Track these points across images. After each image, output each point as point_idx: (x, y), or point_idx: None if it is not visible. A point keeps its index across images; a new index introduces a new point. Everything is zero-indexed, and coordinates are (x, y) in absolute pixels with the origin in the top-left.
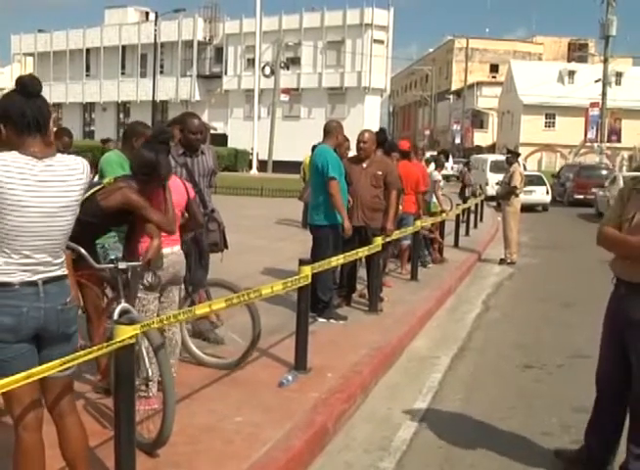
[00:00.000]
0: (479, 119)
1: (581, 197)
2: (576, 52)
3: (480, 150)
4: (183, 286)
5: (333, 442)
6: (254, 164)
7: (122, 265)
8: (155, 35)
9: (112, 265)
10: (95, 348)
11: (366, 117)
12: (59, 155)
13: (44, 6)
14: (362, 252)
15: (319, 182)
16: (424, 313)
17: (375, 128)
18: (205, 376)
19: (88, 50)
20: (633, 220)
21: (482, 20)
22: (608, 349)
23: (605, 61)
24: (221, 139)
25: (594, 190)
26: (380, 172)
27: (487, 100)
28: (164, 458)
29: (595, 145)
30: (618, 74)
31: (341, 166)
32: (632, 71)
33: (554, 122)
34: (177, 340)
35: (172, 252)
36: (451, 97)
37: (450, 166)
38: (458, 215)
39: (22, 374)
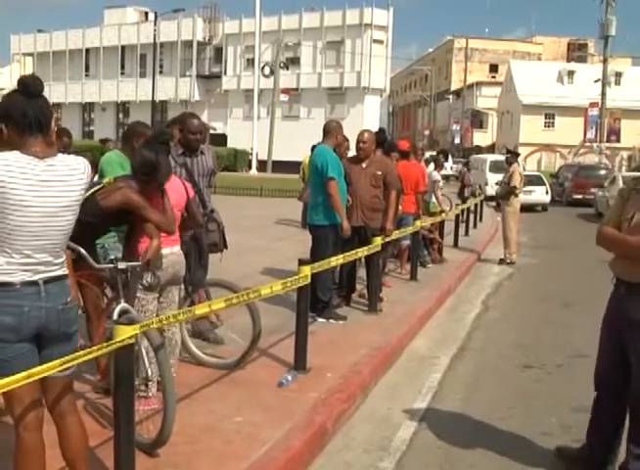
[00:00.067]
0: (478, 119)
1: (580, 197)
2: (576, 52)
3: (479, 150)
4: (183, 286)
5: (332, 442)
6: (254, 164)
7: (122, 265)
8: (154, 35)
9: (111, 265)
10: (95, 348)
11: (365, 117)
12: (60, 155)
13: (44, 6)
14: (362, 252)
15: (318, 182)
16: (423, 313)
17: (374, 128)
18: (204, 376)
19: (87, 50)
20: (632, 220)
21: (482, 20)
22: (607, 349)
23: (604, 61)
24: (221, 139)
25: (593, 190)
26: (379, 172)
27: (487, 100)
28: (164, 458)
29: (594, 145)
30: (618, 74)
31: (340, 167)
32: (632, 72)
33: (553, 122)
34: (177, 340)
35: (172, 252)
36: (451, 97)
37: (450, 166)
38: (457, 215)
39: (23, 374)
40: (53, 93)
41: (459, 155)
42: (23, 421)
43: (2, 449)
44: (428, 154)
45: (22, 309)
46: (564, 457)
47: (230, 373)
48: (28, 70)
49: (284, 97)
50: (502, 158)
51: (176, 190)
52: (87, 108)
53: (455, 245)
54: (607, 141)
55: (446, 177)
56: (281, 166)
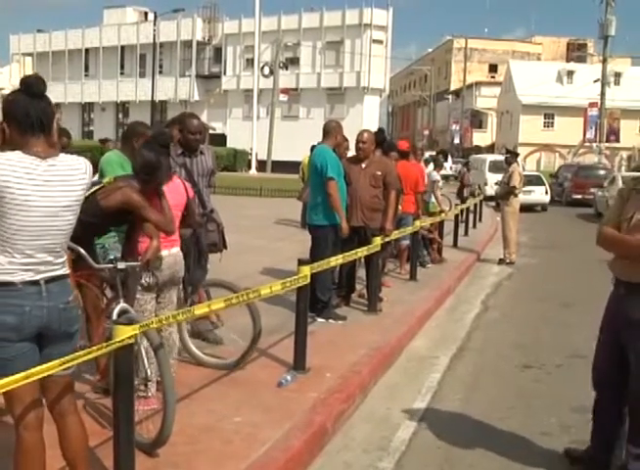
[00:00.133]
0: (477, 119)
1: (579, 197)
2: (575, 52)
3: (478, 150)
4: (182, 286)
5: (332, 442)
6: (253, 164)
7: (121, 265)
8: (154, 35)
9: (111, 265)
10: (94, 348)
11: (365, 117)
12: (62, 155)
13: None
14: (361, 252)
15: (318, 182)
16: (423, 313)
17: (374, 128)
18: (204, 376)
19: (87, 50)
20: (632, 220)
21: (481, 20)
22: (605, 348)
23: (604, 61)
24: (220, 139)
25: (592, 190)
26: (379, 172)
27: (486, 100)
28: (163, 458)
29: (594, 145)
30: (617, 75)
31: (340, 167)
32: (631, 72)
33: (553, 122)
34: (174, 339)
35: (170, 253)
36: (450, 97)
37: (449, 167)
38: (457, 215)
39: (22, 374)
40: (52, 93)
41: (458, 155)
42: (24, 421)
43: (2, 450)
44: (427, 154)
45: (24, 309)
46: (571, 459)
47: (229, 373)
48: (28, 71)
49: (283, 97)
50: (501, 158)
51: (177, 190)
52: (87, 108)
53: (454, 245)
54: (606, 141)
55: (446, 177)
56: (280, 166)
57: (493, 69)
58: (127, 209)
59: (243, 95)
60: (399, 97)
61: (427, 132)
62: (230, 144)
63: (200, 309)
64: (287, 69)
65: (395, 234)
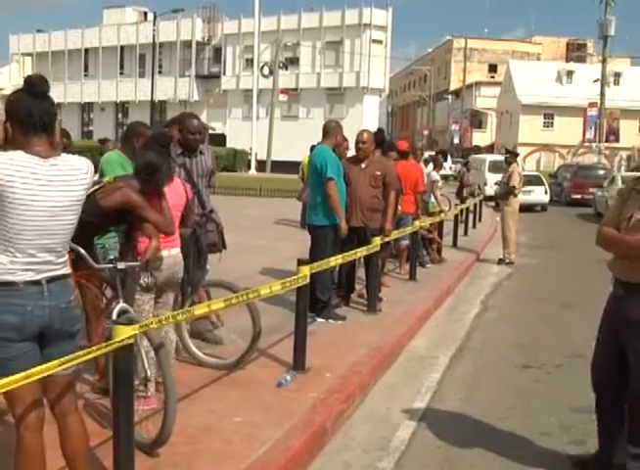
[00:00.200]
0: (477, 119)
1: (579, 197)
2: (575, 52)
3: (478, 150)
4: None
5: (331, 442)
6: (253, 164)
7: (121, 265)
8: (153, 35)
9: (110, 265)
10: (94, 348)
11: (365, 118)
12: (63, 154)
13: (43, 6)
14: (361, 252)
15: (317, 182)
16: (422, 313)
17: (373, 128)
18: (204, 376)
19: (87, 50)
20: (631, 220)
21: (481, 20)
22: (605, 349)
23: (603, 61)
24: (220, 139)
25: (592, 190)
26: (378, 173)
27: (486, 100)
28: (163, 458)
29: (593, 145)
30: (617, 75)
31: (339, 167)
32: (631, 72)
33: (552, 122)
34: (171, 338)
35: (170, 254)
36: (450, 97)
37: (449, 167)
38: (457, 215)
39: (22, 374)
40: (52, 93)
41: (458, 155)
42: (25, 421)
43: (2, 450)
44: (427, 154)
45: (26, 309)
46: (580, 463)
47: (229, 373)
48: (27, 71)
49: (283, 97)
50: (501, 158)
51: (177, 191)
52: (86, 108)
53: (454, 245)
54: (606, 141)
55: (445, 177)
56: (280, 166)
57: (493, 69)
58: (127, 209)
59: (242, 95)
60: (399, 97)
61: (426, 132)
62: (230, 144)
63: (199, 309)
64: (286, 69)
65: (395, 234)
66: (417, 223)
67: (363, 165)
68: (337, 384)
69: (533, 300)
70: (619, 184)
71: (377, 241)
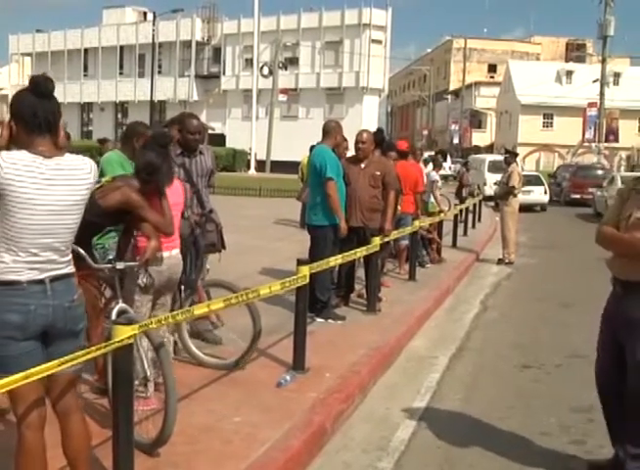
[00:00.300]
0: (477, 119)
1: (578, 196)
2: (574, 52)
3: (478, 150)
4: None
5: (331, 442)
6: (252, 164)
7: (120, 265)
8: (153, 35)
9: (109, 265)
10: (94, 348)
11: (364, 118)
12: (67, 154)
13: (43, 6)
14: (360, 252)
15: (317, 182)
16: (422, 313)
17: (373, 128)
18: (203, 376)
19: (86, 50)
20: (630, 219)
21: (481, 20)
22: (605, 349)
23: (603, 61)
24: (219, 139)
25: (591, 190)
26: (378, 173)
27: (485, 100)
28: (163, 458)
29: (593, 145)
30: (616, 75)
31: (339, 167)
32: (630, 72)
33: (552, 122)
34: (168, 338)
35: (171, 255)
36: (449, 97)
37: (448, 167)
38: (456, 216)
39: (22, 374)
40: None
41: (458, 155)
42: (26, 420)
43: (3, 451)
44: (426, 154)
45: (29, 308)
46: (597, 469)
47: (229, 373)
48: (27, 71)
49: (282, 97)
50: (501, 158)
51: (176, 192)
52: (86, 108)
53: (454, 245)
54: (605, 141)
55: (445, 177)
56: (279, 167)
57: (492, 69)
58: (126, 208)
59: (242, 95)
60: (398, 97)
61: (426, 132)
62: (229, 144)
63: (199, 309)
64: (286, 69)
65: (394, 234)
66: (416, 223)
67: (363, 165)
68: (336, 384)
69: (533, 300)
70: (619, 184)
71: (376, 241)
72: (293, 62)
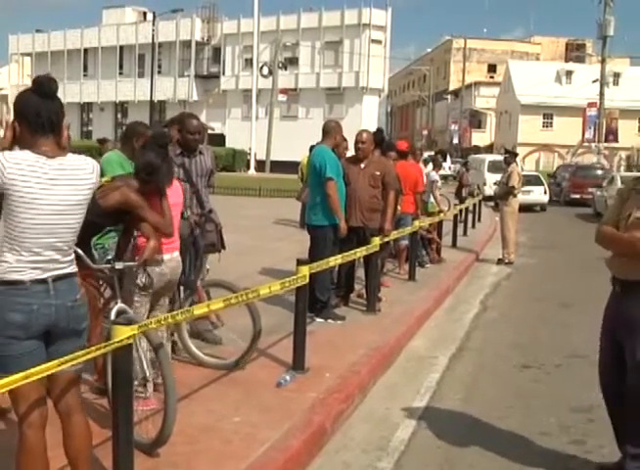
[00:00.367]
0: (476, 119)
1: (578, 196)
2: (574, 52)
3: (477, 150)
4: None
5: (331, 442)
6: (252, 164)
7: (119, 265)
8: (152, 35)
9: (108, 265)
10: (93, 348)
11: (364, 118)
12: (70, 155)
13: (42, 6)
14: (360, 252)
15: (317, 182)
16: (422, 313)
17: (372, 128)
18: (203, 376)
19: (86, 50)
20: (629, 219)
21: (480, 20)
22: (606, 349)
23: (602, 61)
24: (219, 139)
25: (590, 190)
26: (378, 173)
27: (485, 100)
28: (163, 458)
29: (593, 145)
30: (616, 75)
31: (339, 167)
32: (630, 72)
33: (552, 122)
34: (166, 338)
35: (172, 257)
36: (449, 97)
37: (448, 167)
38: (456, 216)
39: (21, 374)
40: None
41: (457, 155)
42: (28, 419)
43: (4, 450)
44: (426, 154)
45: (32, 307)
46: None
47: (229, 373)
48: (27, 71)
49: (282, 97)
50: (500, 158)
51: (176, 192)
52: (85, 108)
53: (453, 245)
54: (605, 141)
55: (444, 177)
56: (279, 167)
57: (492, 69)
58: (125, 208)
59: (242, 95)
60: (398, 97)
61: (425, 132)
62: (229, 144)
63: (199, 309)
64: (286, 69)
65: (394, 234)
66: (416, 223)
67: (362, 165)
68: (336, 384)
69: (532, 300)
70: (619, 184)
71: (376, 241)
72: (292, 62)
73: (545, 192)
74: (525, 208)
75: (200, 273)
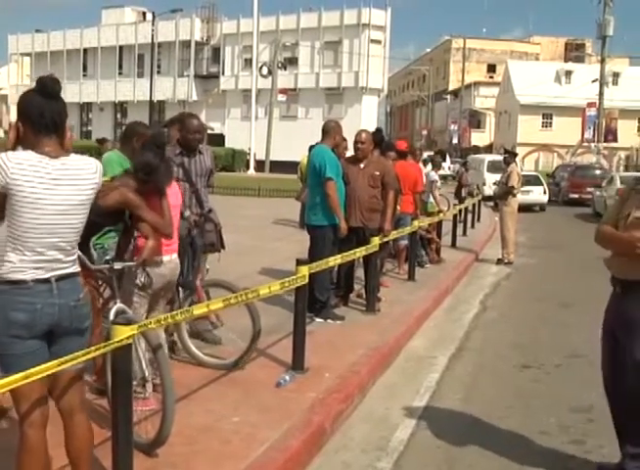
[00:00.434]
0: (476, 119)
1: (576, 196)
2: (573, 52)
3: (477, 150)
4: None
5: (330, 442)
6: (252, 164)
7: (118, 266)
8: (152, 35)
9: (107, 266)
10: (93, 348)
11: (363, 118)
12: (72, 155)
13: (42, 6)
14: (360, 252)
15: (316, 182)
16: (421, 313)
17: (372, 128)
18: (202, 376)
19: (85, 50)
20: (628, 219)
21: (480, 20)
22: (608, 349)
23: (602, 61)
24: (218, 139)
25: (589, 189)
26: (377, 173)
27: (485, 100)
28: (162, 458)
29: (592, 145)
30: (615, 75)
31: (338, 166)
32: (629, 72)
33: (551, 122)
34: (162, 337)
35: (171, 259)
36: (448, 97)
37: (447, 167)
38: (455, 216)
39: (20, 374)
40: None
41: (457, 155)
42: (29, 418)
43: (5, 450)
44: (425, 154)
45: (35, 307)
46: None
47: (228, 373)
48: (26, 71)
49: (282, 97)
50: (500, 158)
51: (174, 194)
52: (85, 108)
53: (453, 245)
54: (604, 141)
55: (444, 177)
56: (279, 166)
57: (492, 69)
58: (124, 208)
59: (241, 95)
60: (398, 97)
61: (425, 132)
62: (228, 144)
63: (199, 309)
64: (285, 69)
65: (394, 234)
66: (416, 223)
67: (362, 165)
68: (335, 384)
69: (532, 300)
70: (618, 184)
71: (376, 241)
72: (292, 62)
73: (545, 192)
74: (525, 208)
75: (198, 273)
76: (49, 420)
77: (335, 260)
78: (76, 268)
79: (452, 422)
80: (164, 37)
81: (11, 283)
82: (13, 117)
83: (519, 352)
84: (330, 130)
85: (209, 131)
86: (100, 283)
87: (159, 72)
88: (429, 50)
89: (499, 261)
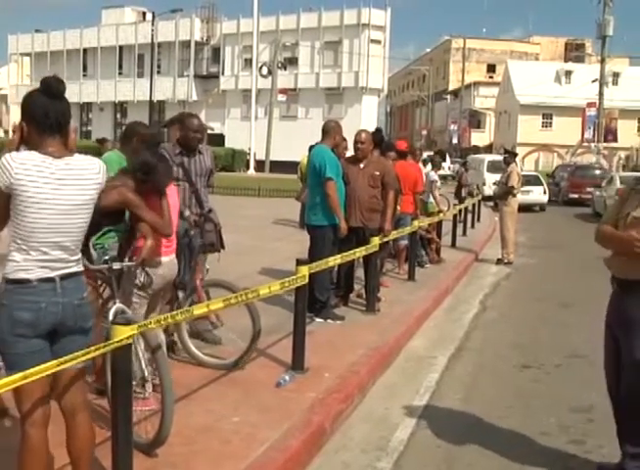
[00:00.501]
0: (476, 119)
1: (576, 196)
2: (573, 52)
3: (477, 150)
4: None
5: (330, 442)
6: (252, 164)
7: (116, 266)
8: (152, 35)
9: (106, 266)
10: (92, 348)
11: (363, 117)
12: (76, 155)
13: (42, 6)
14: (359, 252)
15: (316, 182)
16: (421, 313)
17: (372, 128)
18: (202, 376)
19: (85, 50)
20: (628, 218)
21: (479, 20)
22: (609, 349)
23: (602, 61)
24: (218, 139)
25: (589, 189)
26: (377, 173)
27: (484, 100)
28: (162, 458)
29: (592, 145)
30: (615, 75)
31: (338, 166)
32: (629, 72)
33: (551, 122)
34: (161, 337)
35: (170, 260)
36: (448, 97)
37: (447, 167)
38: (455, 216)
39: (20, 375)
40: None
41: (457, 155)
42: (31, 417)
43: (6, 449)
44: (425, 154)
45: (40, 305)
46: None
47: (228, 373)
48: (26, 71)
49: (282, 97)
50: (500, 158)
51: (172, 194)
52: (85, 108)
53: (453, 245)
54: (604, 141)
55: (444, 177)
56: (279, 166)
57: (491, 69)
58: (123, 208)
59: (241, 95)
60: (398, 97)
61: (425, 132)
62: (228, 144)
63: (199, 309)
64: (285, 69)
65: (394, 234)
66: (416, 223)
67: (362, 165)
68: (335, 384)
69: (532, 300)
70: (618, 184)
71: (375, 241)
72: (292, 62)
73: (544, 192)
74: (525, 208)
75: (194, 273)
76: (50, 419)
77: (335, 260)
78: (80, 267)
79: (452, 422)
80: (164, 37)
81: (15, 282)
82: (13, 116)
83: (519, 352)
84: (330, 130)
85: (209, 131)
86: (99, 283)
87: (158, 72)
88: (428, 50)
89: (499, 261)
